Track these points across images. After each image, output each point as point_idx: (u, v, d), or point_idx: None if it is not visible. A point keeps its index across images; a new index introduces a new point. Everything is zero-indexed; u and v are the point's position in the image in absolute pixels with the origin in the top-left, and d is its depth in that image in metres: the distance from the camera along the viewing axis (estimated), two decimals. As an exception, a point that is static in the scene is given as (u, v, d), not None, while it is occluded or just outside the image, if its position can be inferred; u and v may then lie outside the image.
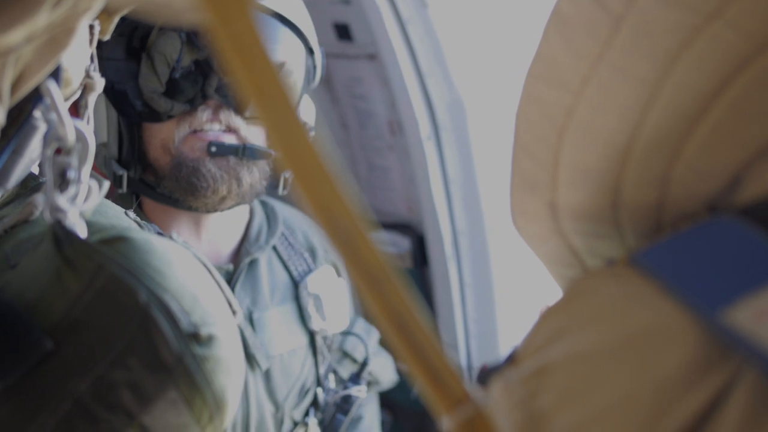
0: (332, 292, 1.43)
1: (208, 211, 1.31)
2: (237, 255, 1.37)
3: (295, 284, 1.40)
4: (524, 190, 0.51)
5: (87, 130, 0.57)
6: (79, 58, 0.59)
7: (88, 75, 0.62)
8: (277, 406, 1.34)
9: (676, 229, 0.42)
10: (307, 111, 1.40)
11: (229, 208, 1.31)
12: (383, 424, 2.12)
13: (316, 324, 1.39)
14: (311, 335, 1.40)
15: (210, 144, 1.24)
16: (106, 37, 0.61)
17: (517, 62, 1.86)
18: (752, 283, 0.36)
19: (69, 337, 0.57)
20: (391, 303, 0.34)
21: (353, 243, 0.34)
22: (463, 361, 1.98)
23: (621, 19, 0.43)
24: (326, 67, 2.06)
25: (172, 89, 1.24)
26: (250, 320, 1.32)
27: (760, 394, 0.34)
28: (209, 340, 0.59)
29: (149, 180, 1.30)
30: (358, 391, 1.45)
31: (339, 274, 1.47)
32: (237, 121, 1.26)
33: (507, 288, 1.94)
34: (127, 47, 1.25)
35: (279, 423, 1.35)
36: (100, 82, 0.63)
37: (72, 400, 0.57)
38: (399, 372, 1.91)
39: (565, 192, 0.48)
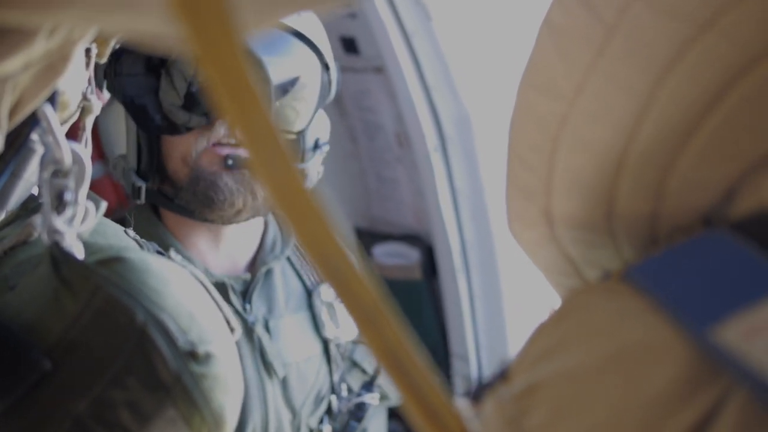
0: None
1: (224, 223, 1.33)
2: (253, 265, 1.39)
3: (309, 293, 1.42)
4: (519, 198, 0.50)
5: (83, 153, 0.57)
6: (76, 82, 0.60)
7: (85, 98, 0.63)
8: (294, 413, 1.35)
9: (670, 243, 0.42)
10: (322, 126, 1.41)
11: (245, 220, 1.34)
12: (394, 435, 2.11)
13: (329, 332, 1.40)
14: (325, 343, 1.41)
15: (227, 157, 1.26)
16: (103, 60, 0.62)
17: (521, 73, 1.85)
18: (743, 300, 0.35)
19: (67, 358, 0.58)
20: (385, 339, 0.34)
21: (346, 281, 0.33)
22: (474, 373, 1.98)
23: (614, 28, 0.42)
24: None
25: (189, 103, 1.27)
26: (267, 328, 1.34)
27: (750, 414, 0.34)
28: (207, 358, 0.60)
29: (167, 191, 1.32)
30: (372, 399, 1.45)
31: None
32: None
33: (516, 298, 1.93)
34: (147, 63, 1.29)
35: (296, 430, 1.36)
36: (97, 105, 0.64)
37: (71, 420, 0.58)
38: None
39: (559, 201, 0.48)
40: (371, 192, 2.17)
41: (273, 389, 1.32)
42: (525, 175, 0.49)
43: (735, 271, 0.37)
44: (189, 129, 1.27)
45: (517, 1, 1.94)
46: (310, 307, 1.41)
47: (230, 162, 1.26)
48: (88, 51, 0.60)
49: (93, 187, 0.61)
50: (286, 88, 1.31)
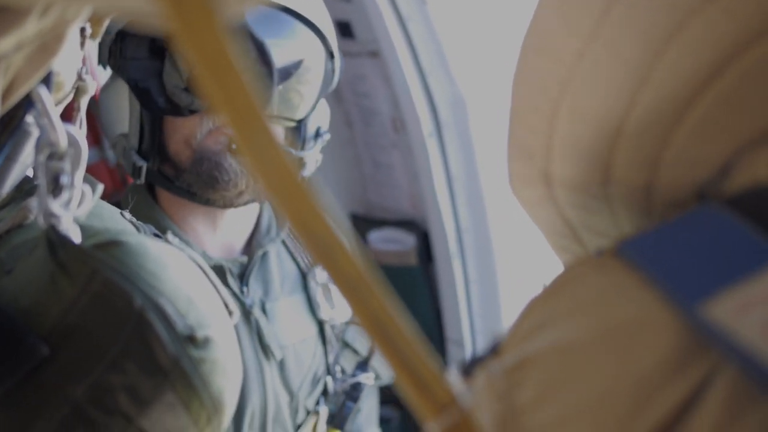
0: None
1: (225, 206, 1.33)
2: (249, 247, 1.40)
3: (303, 275, 1.43)
4: (520, 157, 0.50)
5: (79, 135, 0.57)
6: (70, 62, 0.59)
7: (80, 78, 0.62)
8: (291, 395, 1.36)
9: (664, 218, 0.42)
10: (323, 114, 1.42)
11: (245, 203, 1.34)
12: (390, 420, 2.12)
13: (324, 313, 1.42)
14: (320, 325, 1.42)
15: (232, 140, 1.26)
16: (97, 40, 0.61)
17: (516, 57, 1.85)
18: (734, 275, 0.35)
19: (65, 343, 0.57)
20: (372, 310, 0.34)
21: (332, 254, 0.33)
22: (470, 358, 1.98)
23: None
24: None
25: (192, 85, 1.27)
26: (263, 310, 1.35)
27: (737, 391, 0.33)
28: (205, 342, 0.60)
29: (168, 173, 1.32)
30: (366, 378, 1.47)
31: None
32: None
33: (511, 283, 1.93)
34: (151, 47, 1.29)
35: (294, 412, 1.38)
36: (92, 85, 0.63)
37: (69, 406, 0.57)
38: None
39: (558, 163, 0.48)
40: (367, 178, 2.17)
41: (271, 371, 1.33)
42: (525, 135, 0.49)
43: (727, 246, 0.37)
44: (192, 111, 1.27)
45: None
46: (305, 289, 1.42)
47: (235, 146, 1.26)
48: (82, 30, 0.59)
49: (88, 171, 0.60)
50: (290, 71, 1.30)
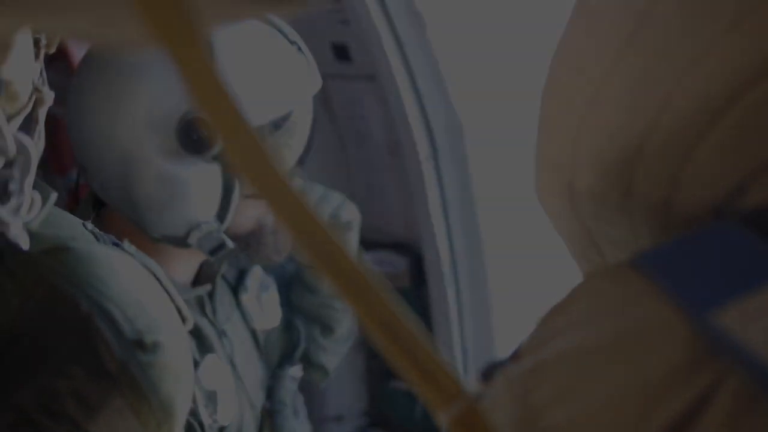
0: None
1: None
2: (200, 275, 1.42)
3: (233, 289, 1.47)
4: (546, 168, 0.52)
5: (29, 143, 0.57)
6: (24, 72, 0.60)
7: (36, 89, 0.62)
8: (252, 407, 1.41)
9: (682, 232, 0.43)
10: None
11: None
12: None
13: (258, 323, 1.48)
14: (253, 333, 1.48)
15: None
16: (52, 50, 0.61)
17: (514, 83, 1.86)
18: (744, 287, 0.37)
19: (11, 349, 0.57)
20: (375, 307, 0.34)
21: (332, 257, 0.33)
22: (490, 362, 1.96)
23: (644, 19, 0.44)
24: (325, 88, 2.07)
25: None
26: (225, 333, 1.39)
27: (743, 396, 0.35)
28: (154, 347, 0.60)
29: None
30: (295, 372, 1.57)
31: None
32: None
33: (505, 308, 1.92)
34: None
35: (257, 421, 1.44)
36: (49, 95, 0.64)
37: (16, 411, 0.57)
38: (396, 392, 1.90)
39: (582, 176, 0.49)
40: (359, 199, 2.17)
41: (241, 389, 1.37)
42: (552, 148, 0.51)
43: (737, 259, 0.39)
44: None
45: (512, 11, 1.94)
46: (238, 304, 1.45)
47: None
48: (38, 41, 0.60)
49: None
50: None
